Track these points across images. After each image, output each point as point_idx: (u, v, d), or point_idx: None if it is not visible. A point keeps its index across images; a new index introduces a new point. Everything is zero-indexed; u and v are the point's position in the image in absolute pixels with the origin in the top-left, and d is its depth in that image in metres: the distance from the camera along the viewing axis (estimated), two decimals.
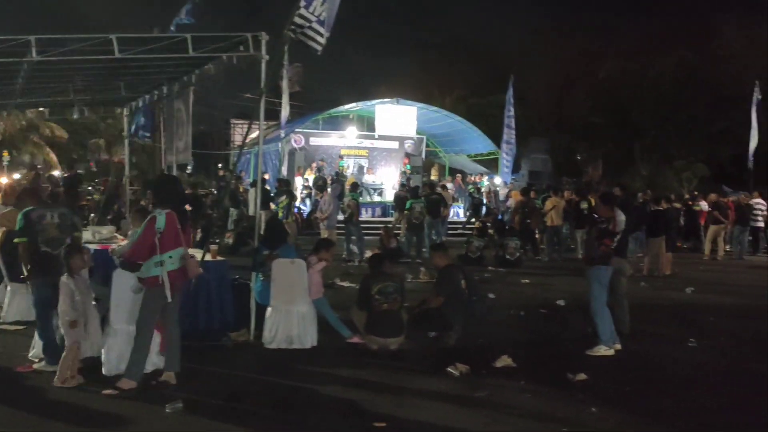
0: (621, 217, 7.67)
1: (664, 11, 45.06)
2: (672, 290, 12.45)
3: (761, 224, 19.79)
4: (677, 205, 19.65)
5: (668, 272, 14.55)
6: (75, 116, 14.14)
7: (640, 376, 6.80)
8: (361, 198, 18.87)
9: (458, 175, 28.15)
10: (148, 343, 6.05)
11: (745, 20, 34.31)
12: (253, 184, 17.15)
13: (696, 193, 23.15)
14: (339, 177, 24.24)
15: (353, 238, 15.74)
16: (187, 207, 7.34)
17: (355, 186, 17.96)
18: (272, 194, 17.99)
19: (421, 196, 17.15)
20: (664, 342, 8.25)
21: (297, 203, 20.57)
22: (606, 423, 5.38)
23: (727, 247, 19.12)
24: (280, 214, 15.63)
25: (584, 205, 16.36)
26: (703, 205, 19.82)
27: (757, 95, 25.01)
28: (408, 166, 27.24)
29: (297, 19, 7.94)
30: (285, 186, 17.32)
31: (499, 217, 21.91)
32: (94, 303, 6.45)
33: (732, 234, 19.17)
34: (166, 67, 9.74)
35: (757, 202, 19.69)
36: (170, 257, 5.96)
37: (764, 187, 25.11)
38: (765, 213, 19.75)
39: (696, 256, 18.52)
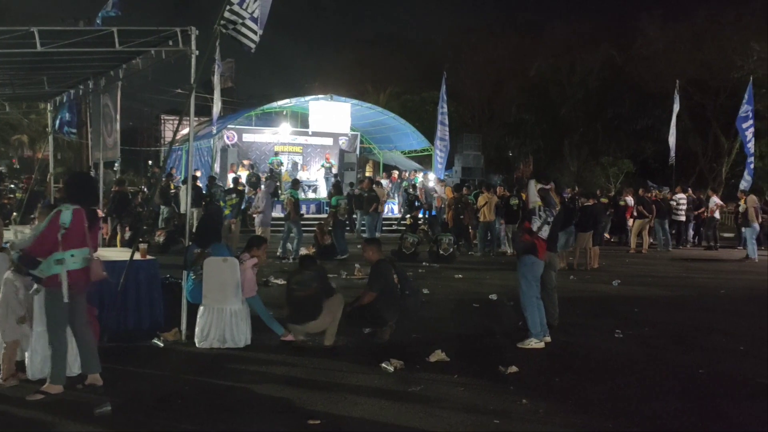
0: (532, 189, 7.79)
1: (591, 10, 46.30)
2: (599, 283, 12.83)
3: (683, 218, 20.56)
4: (604, 200, 20.22)
5: (596, 266, 14.98)
6: None
7: (569, 367, 6.98)
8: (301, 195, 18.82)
9: (394, 171, 28.29)
10: (65, 346, 5.80)
11: (667, 19, 35.55)
12: (185, 182, 16.86)
13: (629, 188, 23.83)
14: (273, 174, 24.03)
15: (292, 235, 15.62)
16: (100, 212, 7.12)
17: (295, 183, 17.81)
18: (204, 191, 17.76)
19: (349, 193, 17.23)
20: (592, 333, 8.49)
21: None
22: (536, 414, 5.50)
23: (652, 240, 19.82)
24: (228, 212, 15.46)
25: (514, 201, 16.68)
26: (629, 201, 20.48)
27: (677, 93, 25.89)
28: (333, 161, 27.18)
29: (228, 15, 7.83)
30: (236, 184, 17.26)
31: (433, 213, 22.14)
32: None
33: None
34: (92, 62, 9.46)
35: (680, 197, 20.46)
36: (72, 256, 5.68)
37: (686, 182, 26.07)
38: (686, 207, 20.53)
39: (622, 250, 19.17)
